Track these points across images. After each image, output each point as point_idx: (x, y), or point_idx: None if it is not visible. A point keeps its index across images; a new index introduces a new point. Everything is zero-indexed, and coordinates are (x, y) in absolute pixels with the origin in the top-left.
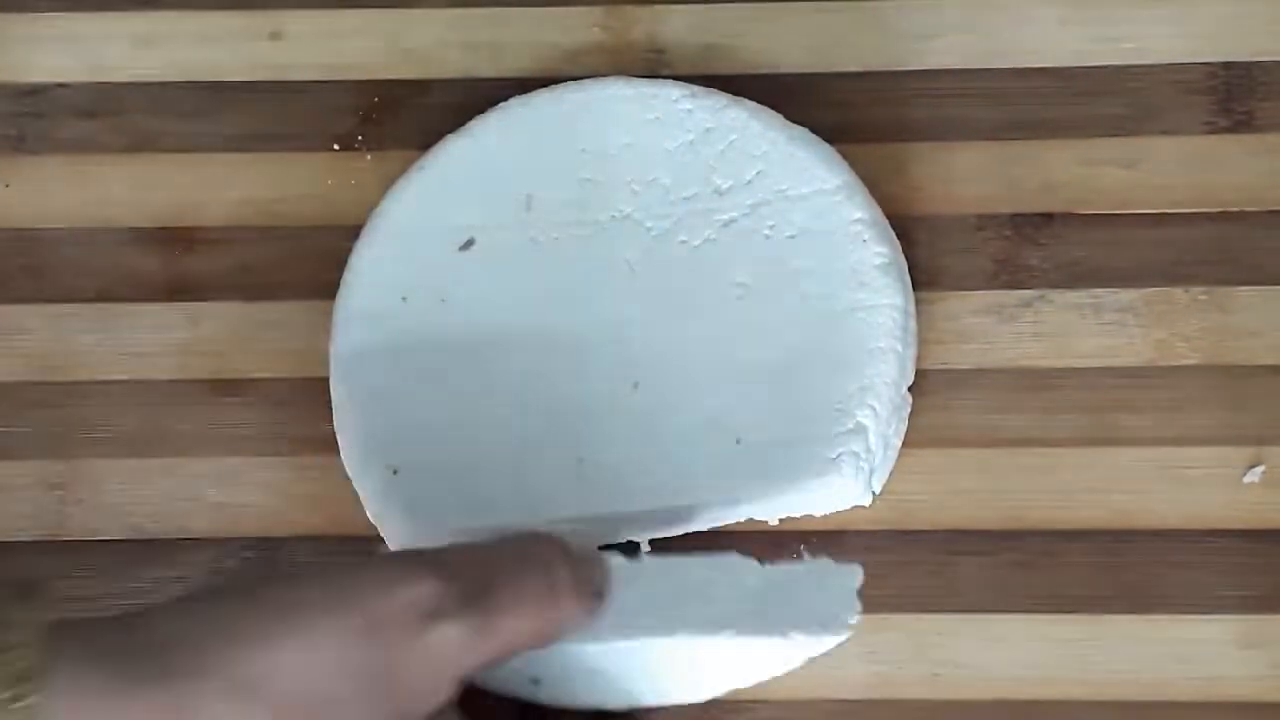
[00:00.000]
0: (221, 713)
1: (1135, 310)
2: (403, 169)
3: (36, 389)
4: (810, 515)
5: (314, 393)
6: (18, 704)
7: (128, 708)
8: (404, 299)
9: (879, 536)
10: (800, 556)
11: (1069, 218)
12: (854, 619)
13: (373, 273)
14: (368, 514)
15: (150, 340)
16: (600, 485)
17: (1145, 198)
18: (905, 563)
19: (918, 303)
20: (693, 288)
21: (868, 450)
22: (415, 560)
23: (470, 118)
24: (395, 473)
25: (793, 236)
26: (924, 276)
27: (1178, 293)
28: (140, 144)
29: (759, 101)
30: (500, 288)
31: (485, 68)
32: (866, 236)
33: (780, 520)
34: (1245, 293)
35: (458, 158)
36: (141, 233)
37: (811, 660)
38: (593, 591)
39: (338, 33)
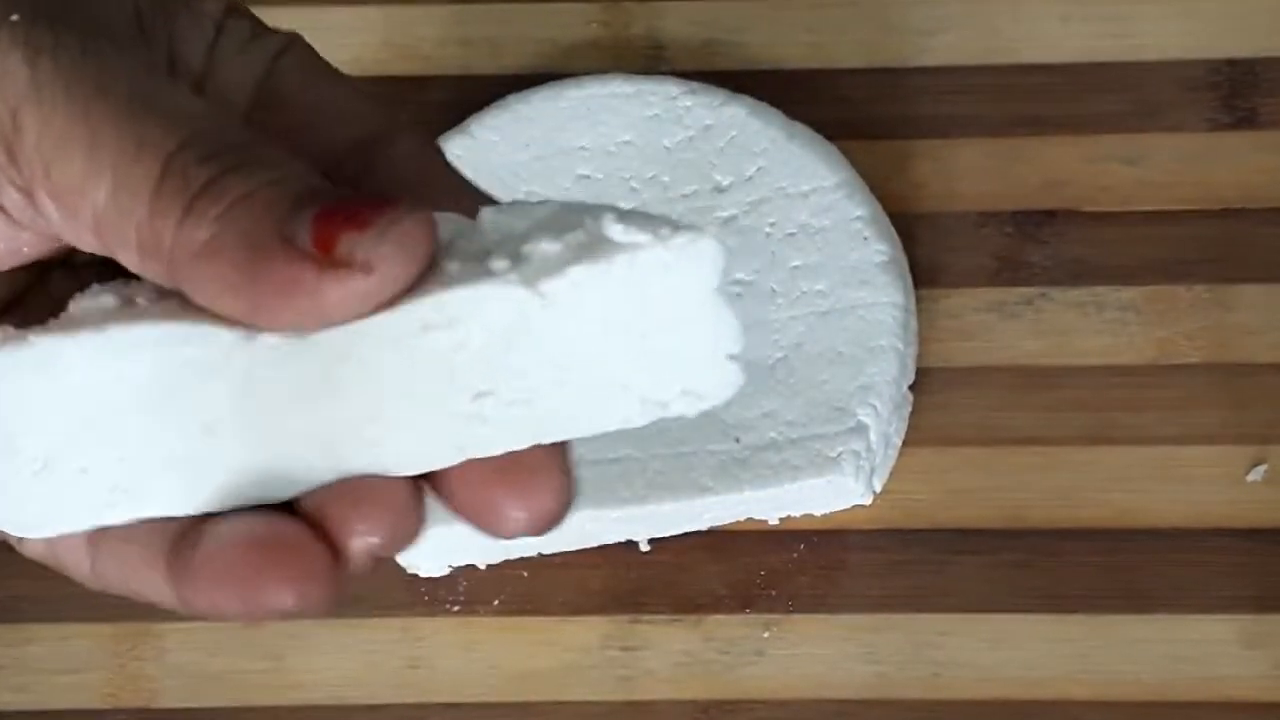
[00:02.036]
0: None
1: (1137, 308)
2: None
3: None
4: (810, 514)
5: None
6: None
7: None
8: None
9: (879, 536)
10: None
11: (1071, 215)
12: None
13: None
14: None
15: None
16: (600, 483)
17: (1147, 195)
18: (905, 562)
19: (919, 300)
20: None
21: (868, 449)
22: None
23: (468, 115)
24: None
25: (793, 234)
26: (925, 274)
27: (1180, 290)
28: None
29: (759, 98)
30: None
31: (483, 64)
32: (867, 234)
33: (780, 519)
34: (1248, 290)
35: (455, 155)
36: None
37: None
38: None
39: (334, 29)
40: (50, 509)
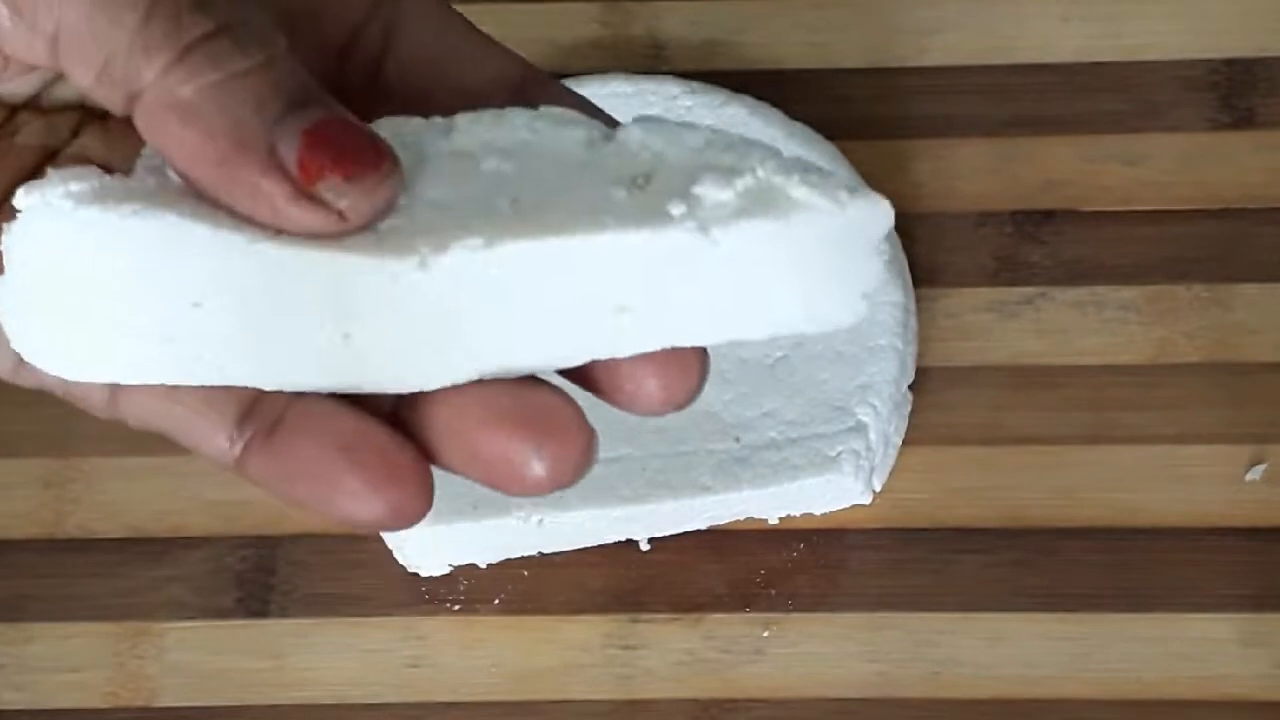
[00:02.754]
0: None
1: (1136, 307)
2: None
3: None
4: (810, 513)
5: None
6: None
7: None
8: None
9: (879, 535)
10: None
11: (1070, 214)
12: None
13: None
14: None
15: None
16: (600, 483)
17: (1147, 194)
18: (905, 561)
19: (918, 300)
20: None
21: (868, 448)
22: None
23: None
24: None
25: None
26: (924, 273)
27: (1179, 290)
28: None
29: (759, 97)
30: None
31: None
32: None
33: (780, 518)
34: (1247, 290)
35: None
36: None
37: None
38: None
39: None
40: (107, 360)
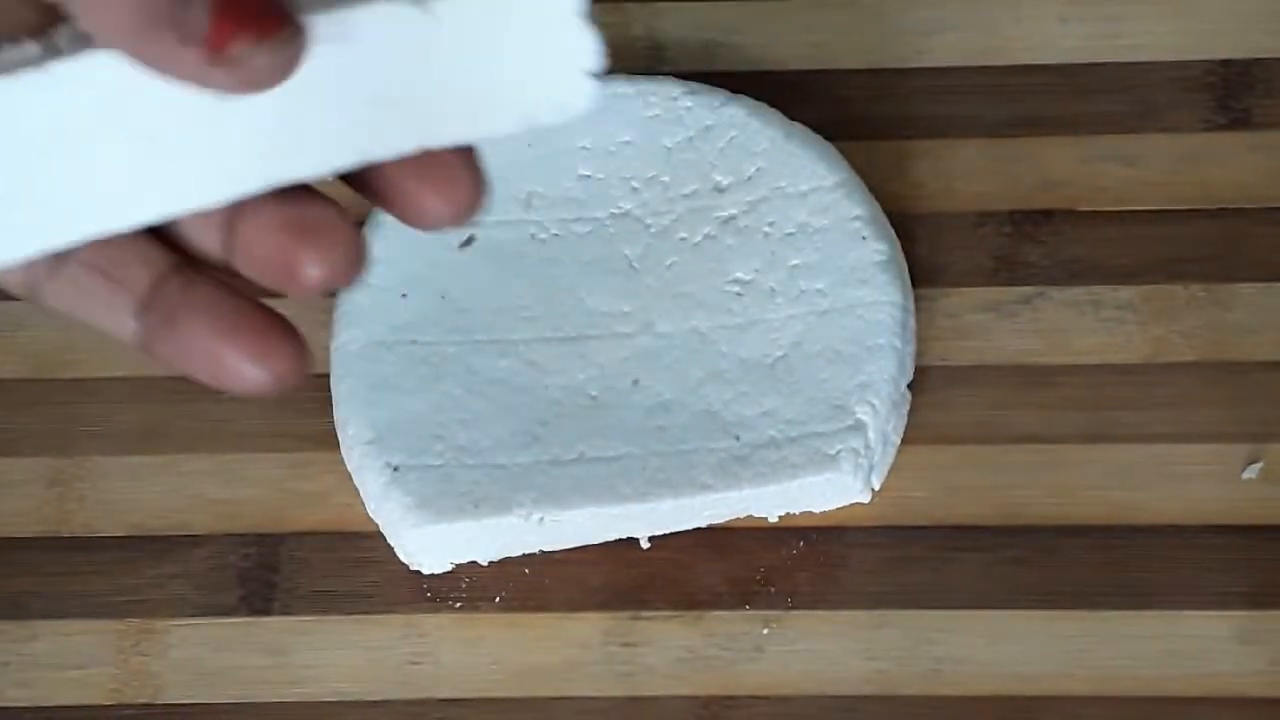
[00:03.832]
0: None
1: (1134, 307)
2: None
3: (37, 386)
4: (810, 511)
5: (315, 389)
6: None
7: None
8: (404, 295)
9: (878, 533)
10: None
11: (1068, 214)
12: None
13: (373, 269)
14: (368, 511)
15: None
16: (601, 481)
17: (1144, 194)
18: (904, 559)
19: (917, 299)
20: (692, 284)
21: (867, 447)
22: None
23: None
24: (395, 469)
25: (792, 233)
26: (923, 273)
27: (1176, 289)
28: None
29: (758, 98)
30: (500, 284)
31: None
32: (866, 233)
33: (780, 516)
34: (1244, 289)
35: None
36: None
37: None
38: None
39: None
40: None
